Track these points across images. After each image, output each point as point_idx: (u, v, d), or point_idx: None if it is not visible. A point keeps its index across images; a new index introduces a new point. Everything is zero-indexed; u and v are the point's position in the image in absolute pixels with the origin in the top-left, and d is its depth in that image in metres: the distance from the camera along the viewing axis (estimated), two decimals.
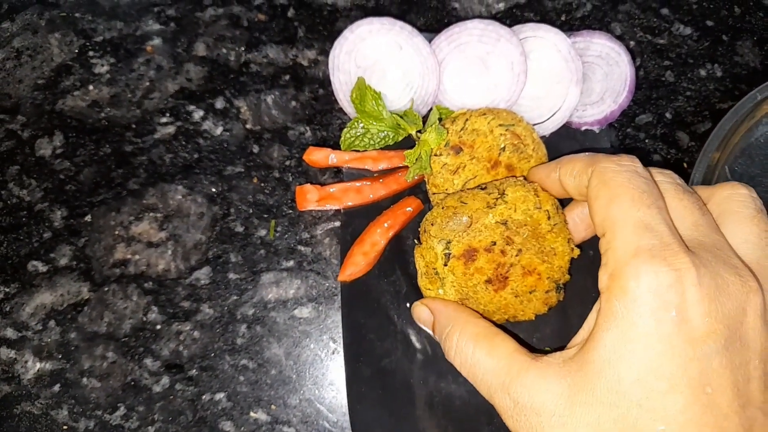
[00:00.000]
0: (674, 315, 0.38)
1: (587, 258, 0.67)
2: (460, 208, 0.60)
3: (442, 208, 0.61)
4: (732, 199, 0.47)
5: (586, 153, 0.51)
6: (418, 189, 0.68)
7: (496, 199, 0.59)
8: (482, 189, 0.61)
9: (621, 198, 0.43)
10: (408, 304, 0.65)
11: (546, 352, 0.46)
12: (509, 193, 0.60)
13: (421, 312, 0.57)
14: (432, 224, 0.60)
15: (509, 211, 0.59)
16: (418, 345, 0.64)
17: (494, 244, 0.59)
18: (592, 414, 0.39)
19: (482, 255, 0.59)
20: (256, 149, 0.71)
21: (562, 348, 0.46)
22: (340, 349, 0.66)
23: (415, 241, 0.64)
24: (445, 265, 0.60)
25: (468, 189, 0.62)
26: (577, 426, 0.39)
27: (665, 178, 0.47)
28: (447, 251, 0.60)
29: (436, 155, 0.64)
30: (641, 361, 0.38)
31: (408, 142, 0.67)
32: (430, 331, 0.56)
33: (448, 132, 0.64)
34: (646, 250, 0.40)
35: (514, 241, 0.60)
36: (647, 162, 0.72)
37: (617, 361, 0.39)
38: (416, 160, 0.64)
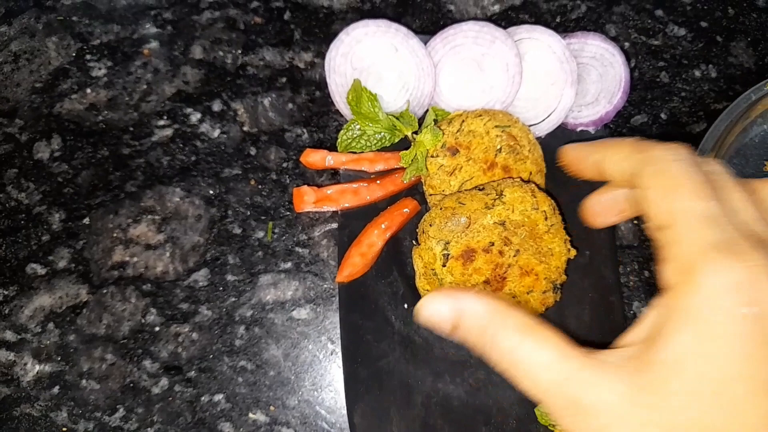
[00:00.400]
0: (752, 313, 0.36)
1: (584, 258, 0.67)
2: (458, 209, 0.60)
3: (441, 208, 0.61)
4: None
5: (631, 138, 0.49)
6: (415, 190, 0.69)
7: (494, 199, 0.60)
8: (480, 190, 0.61)
9: (681, 189, 0.41)
10: (406, 306, 0.65)
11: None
12: (507, 193, 0.60)
13: (437, 307, 0.47)
14: (430, 225, 0.61)
15: (507, 211, 0.60)
16: (415, 346, 0.64)
17: (492, 244, 0.60)
18: (663, 416, 0.37)
19: (480, 255, 0.60)
20: (253, 151, 0.71)
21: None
22: (339, 350, 0.66)
23: (413, 242, 0.64)
24: (444, 265, 0.60)
25: (466, 190, 0.63)
26: (645, 428, 0.37)
27: (715, 168, 0.45)
28: (445, 252, 0.60)
29: (432, 157, 0.64)
30: (718, 361, 0.36)
31: (405, 144, 0.67)
32: (445, 330, 0.48)
33: (444, 133, 0.64)
34: (716, 245, 0.38)
35: (511, 242, 0.60)
36: None
37: (692, 361, 0.37)
38: (412, 161, 0.64)
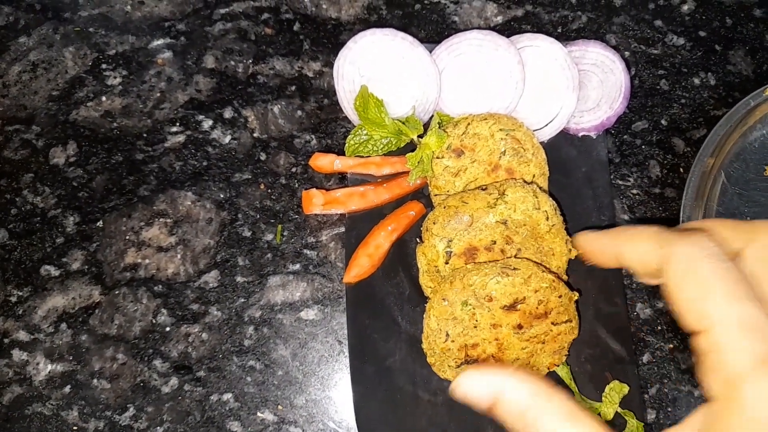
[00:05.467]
0: None
1: None
2: (461, 208, 0.61)
3: (444, 207, 0.62)
4: None
5: (650, 228, 0.47)
6: (421, 194, 0.70)
7: (497, 199, 0.61)
8: (483, 189, 0.63)
9: (715, 292, 0.39)
10: (412, 306, 0.66)
11: None
12: (509, 193, 0.61)
13: (475, 385, 0.46)
14: (434, 223, 0.62)
15: (509, 211, 0.61)
16: (422, 345, 0.65)
17: (494, 243, 0.61)
18: None
19: (482, 253, 0.61)
20: (263, 157, 0.73)
21: None
22: (346, 351, 0.67)
23: (417, 240, 0.66)
24: (447, 263, 0.62)
25: (469, 190, 0.64)
26: None
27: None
28: (448, 249, 0.61)
29: (438, 158, 0.66)
30: None
31: (411, 149, 0.69)
32: (481, 408, 0.46)
33: (449, 136, 0.66)
34: (760, 359, 0.36)
35: (513, 241, 0.61)
36: (644, 168, 0.73)
37: None
38: (418, 162, 0.66)
